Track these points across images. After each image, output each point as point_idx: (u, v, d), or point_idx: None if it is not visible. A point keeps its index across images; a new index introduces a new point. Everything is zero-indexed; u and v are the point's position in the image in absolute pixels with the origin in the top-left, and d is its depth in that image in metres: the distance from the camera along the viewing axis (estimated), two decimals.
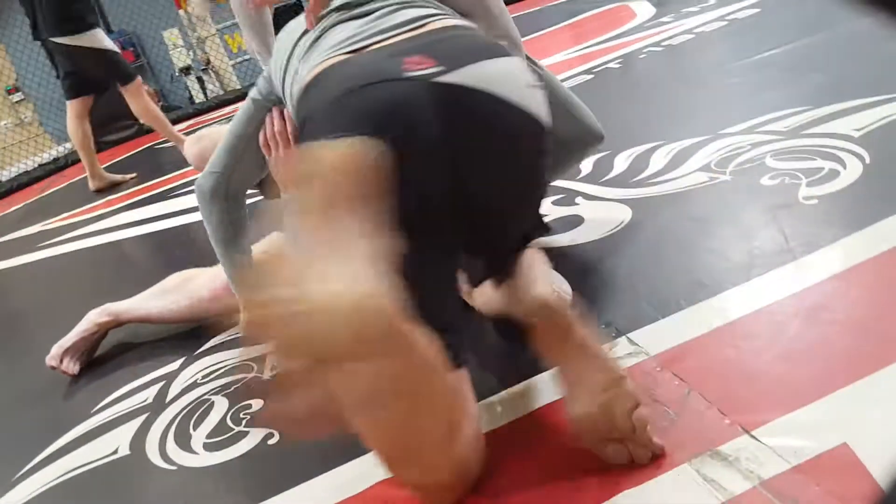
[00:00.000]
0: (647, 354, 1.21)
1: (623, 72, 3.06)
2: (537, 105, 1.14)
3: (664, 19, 3.68)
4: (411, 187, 1.01)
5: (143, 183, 4.10)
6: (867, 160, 1.61)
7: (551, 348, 1.12)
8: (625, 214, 1.74)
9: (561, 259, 1.54)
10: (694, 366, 1.16)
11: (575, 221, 1.77)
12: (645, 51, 3.22)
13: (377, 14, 1.28)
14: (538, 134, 1.15)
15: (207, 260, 2.17)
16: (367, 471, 1.15)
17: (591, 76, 3.10)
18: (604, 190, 1.91)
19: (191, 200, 3.26)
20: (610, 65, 3.19)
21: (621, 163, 2.04)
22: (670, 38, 3.26)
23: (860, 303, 1.20)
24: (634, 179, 1.92)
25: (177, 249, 2.72)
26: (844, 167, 1.61)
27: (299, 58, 1.30)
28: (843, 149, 1.69)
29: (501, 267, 1.24)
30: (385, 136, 0.97)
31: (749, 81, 2.27)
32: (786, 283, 1.28)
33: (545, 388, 1.21)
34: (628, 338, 1.27)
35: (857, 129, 1.75)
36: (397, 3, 1.30)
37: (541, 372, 1.24)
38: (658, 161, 1.97)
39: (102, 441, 1.52)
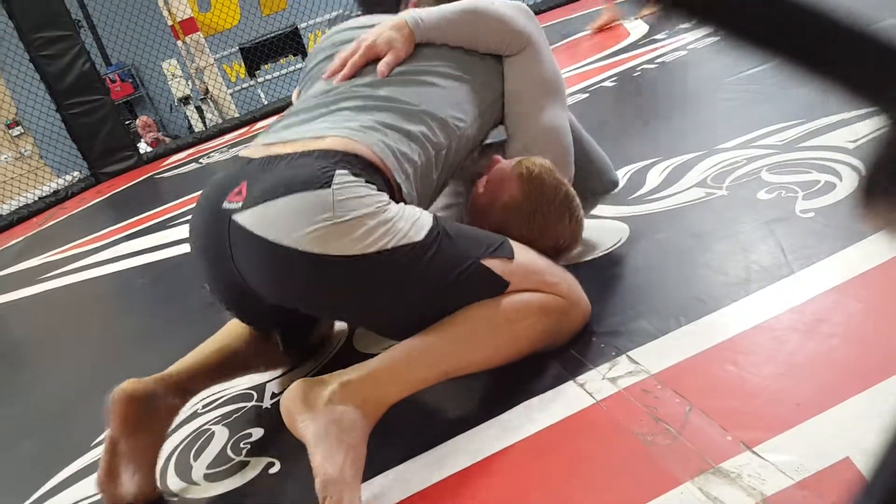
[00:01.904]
0: (647, 373, 1.20)
1: (618, 90, 3.07)
2: (322, 244, 1.21)
3: (657, 37, 3.70)
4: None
5: (144, 212, 4.11)
6: (863, 172, 1.61)
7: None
8: (622, 232, 1.74)
9: None
10: (695, 383, 1.15)
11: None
12: (639, 69, 3.23)
13: (307, 115, 1.45)
14: (329, 270, 1.23)
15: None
16: (370, 499, 1.15)
17: (586, 95, 3.11)
18: (601, 208, 1.91)
19: None
20: (605, 83, 3.20)
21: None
22: (664, 55, 3.28)
23: (859, 315, 1.19)
24: (631, 197, 1.92)
25: (176, 280, 2.73)
26: (840, 179, 1.61)
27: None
28: (838, 161, 1.69)
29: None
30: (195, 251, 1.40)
31: (742, 96, 2.28)
32: (784, 297, 1.28)
33: (547, 408, 1.21)
34: (628, 356, 1.26)
35: (852, 141, 1.75)
36: (337, 103, 1.46)
37: (543, 392, 1.24)
38: (654, 178, 1.98)
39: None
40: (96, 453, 1.58)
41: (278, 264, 1.24)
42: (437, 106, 1.47)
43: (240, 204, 1.27)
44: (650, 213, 1.79)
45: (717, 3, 0.26)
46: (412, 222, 1.26)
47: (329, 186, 1.22)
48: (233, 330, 1.53)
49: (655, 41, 3.59)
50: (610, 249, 1.68)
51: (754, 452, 0.98)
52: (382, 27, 1.58)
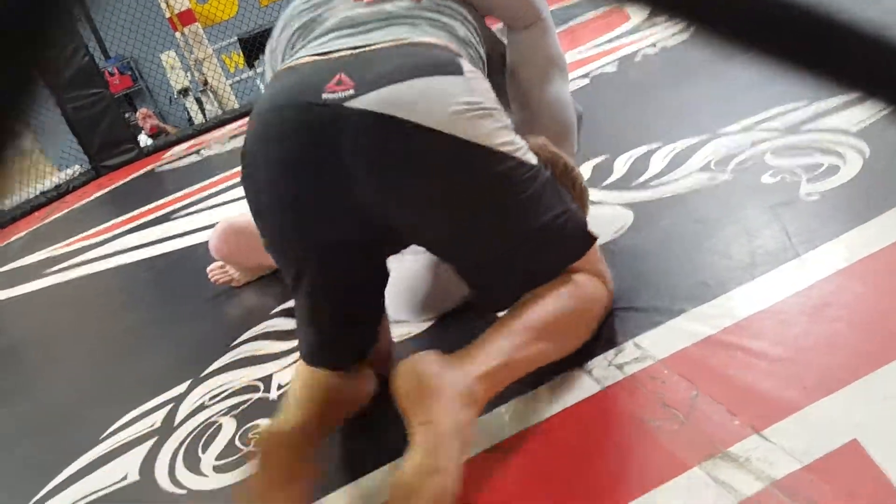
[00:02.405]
0: (653, 359, 1.20)
1: (619, 75, 3.06)
2: (466, 128, 1.12)
3: (658, 21, 3.68)
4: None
5: (146, 206, 4.10)
6: (867, 154, 1.60)
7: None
8: (626, 218, 1.74)
9: None
10: (701, 368, 1.15)
11: None
12: (640, 53, 3.22)
13: (361, 28, 1.32)
14: (467, 158, 1.14)
15: (212, 284, 2.17)
16: (380, 488, 1.15)
17: (587, 80, 3.10)
18: (604, 194, 1.90)
19: (193, 222, 3.27)
20: (606, 68, 3.19)
21: (620, 166, 2.04)
22: (664, 39, 3.26)
23: (865, 298, 1.19)
24: (635, 183, 1.91)
25: (180, 273, 2.73)
26: (844, 162, 1.60)
27: (297, 35, 1.45)
28: (842, 143, 1.68)
29: (486, 299, 1.30)
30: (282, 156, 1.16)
31: (745, 79, 2.27)
32: (790, 280, 1.28)
33: (554, 396, 1.21)
34: (634, 342, 1.26)
35: (856, 124, 1.74)
36: (389, 20, 1.33)
37: (550, 379, 1.24)
38: (657, 163, 1.97)
39: (111, 468, 1.51)
40: (101, 449, 1.59)
41: (418, 150, 1.12)
42: (473, 40, 1.42)
43: (350, 91, 1.12)
44: (654, 198, 1.79)
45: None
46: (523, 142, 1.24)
47: (462, 74, 1.17)
48: (308, 379, 1.29)
49: (656, 25, 3.57)
50: (614, 236, 1.68)
51: (762, 436, 0.98)
52: None
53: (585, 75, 3.17)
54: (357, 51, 1.21)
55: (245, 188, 1.23)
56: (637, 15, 3.94)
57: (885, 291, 1.19)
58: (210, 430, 1.50)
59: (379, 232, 1.22)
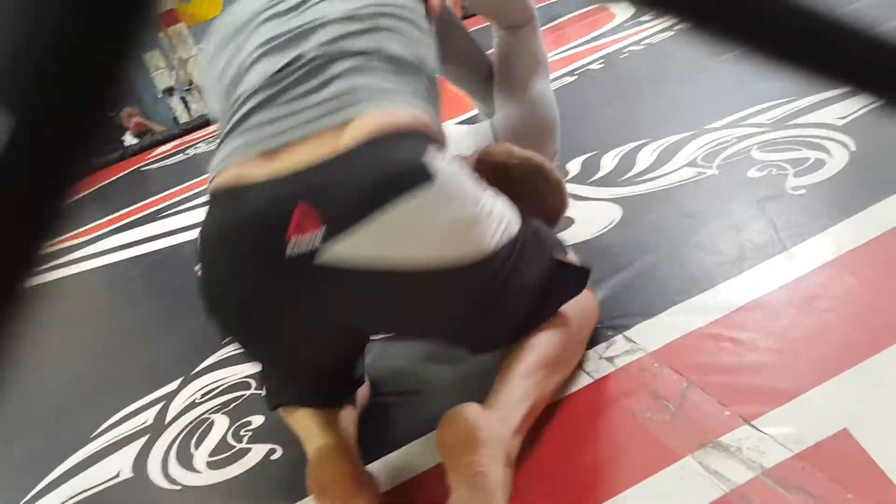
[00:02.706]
0: (644, 351, 1.22)
1: (605, 72, 3.07)
2: (454, 254, 1.03)
3: (643, 18, 3.70)
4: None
5: (132, 205, 4.09)
6: (852, 148, 1.62)
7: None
8: (615, 214, 1.75)
9: None
10: (691, 360, 1.16)
11: (565, 223, 1.78)
12: (626, 50, 3.23)
13: (300, 87, 1.12)
14: (458, 280, 1.06)
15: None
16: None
17: (574, 78, 3.11)
18: (593, 190, 1.92)
19: (179, 221, 3.26)
20: (592, 66, 3.20)
21: (608, 162, 2.05)
22: (650, 36, 3.28)
23: (853, 290, 1.21)
24: (623, 178, 1.93)
25: (168, 271, 2.72)
26: (830, 156, 1.62)
27: (224, 98, 1.24)
28: (827, 138, 1.70)
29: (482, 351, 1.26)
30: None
31: (731, 75, 2.29)
32: (778, 273, 1.29)
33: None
34: (625, 336, 1.27)
35: (841, 118, 1.76)
36: (330, 75, 1.13)
37: None
38: (645, 159, 1.98)
39: (104, 465, 1.51)
40: (95, 446, 1.59)
41: (405, 290, 1.05)
42: (421, 55, 1.23)
43: (319, 236, 0.98)
44: (642, 193, 1.80)
45: None
46: (499, 207, 1.13)
47: (432, 179, 1.01)
48: (307, 412, 1.22)
49: (641, 23, 3.59)
50: (602, 231, 1.69)
51: (753, 426, 1.00)
52: None
53: (572, 72, 3.18)
54: (314, 164, 1.02)
55: (202, 270, 1.11)
56: (622, 13, 3.96)
57: (873, 283, 1.20)
58: (202, 427, 1.50)
59: (363, 335, 1.27)
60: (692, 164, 1.85)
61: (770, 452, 0.95)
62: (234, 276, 1.06)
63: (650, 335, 1.25)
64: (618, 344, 1.26)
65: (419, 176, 1.01)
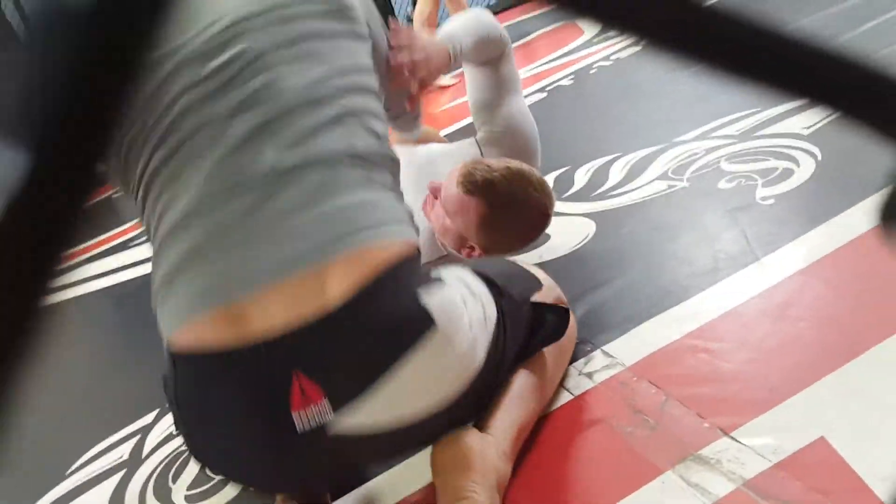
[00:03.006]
0: (622, 365, 1.22)
1: (575, 88, 3.09)
2: (459, 389, 1.01)
3: (611, 34, 3.72)
4: None
5: (103, 234, 4.04)
6: (819, 157, 1.64)
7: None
8: (589, 228, 1.76)
9: None
10: (669, 372, 1.17)
11: (541, 239, 1.78)
12: (595, 66, 3.26)
13: (265, 212, 0.94)
14: (464, 403, 1.03)
15: None
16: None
17: (544, 94, 3.13)
18: (566, 205, 1.92)
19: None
20: (562, 82, 3.22)
21: (581, 177, 2.06)
22: (618, 52, 3.31)
23: (825, 297, 1.22)
24: (595, 193, 1.93)
25: (141, 300, 2.69)
26: (798, 165, 1.64)
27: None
28: (794, 147, 1.72)
29: None
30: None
31: (698, 89, 2.31)
32: (751, 283, 1.30)
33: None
34: (602, 350, 1.27)
35: (806, 128, 1.79)
36: (301, 185, 0.96)
37: None
38: (617, 173, 2.00)
39: (80, 502, 1.48)
40: (70, 483, 1.56)
41: (414, 433, 1.00)
42: (383, 133, 1.10)
43: (326, 409, 0.91)
44: (614, 207, 1.81)
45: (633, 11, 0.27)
46: (478, 301, 1.06)
47: (434, 323, 0.95)
48: None
49: (609, 38, 3.63)
50: (577, 246, 1.69)
51: (732, 438, 1.00)
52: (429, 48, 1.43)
53: (542, 89, 3.20)
54: (301, 326, 0.90)
55: (183, 433, 1.03)
56: (590, 29, 4.00)
57: (844, 290, 1.22)
58: (180, 460, 1.47)
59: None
60: (663, 177, 1.87)
61: (749, 463, 0.95)
62: (230, 447, 0.97)
63: (628, 349, 1.25)
64: (596, 359, 1.26)
65: (421, 324, 0.94)
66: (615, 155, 2.11)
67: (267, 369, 0.90)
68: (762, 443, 0.97)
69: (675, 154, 1.96)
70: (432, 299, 0.96)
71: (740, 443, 0.99)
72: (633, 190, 1.87)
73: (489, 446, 1.04)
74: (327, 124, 0.99)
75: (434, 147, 1.82)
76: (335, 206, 0.95)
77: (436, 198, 1.56)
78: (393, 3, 5.19)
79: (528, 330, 1.18)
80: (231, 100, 0.98)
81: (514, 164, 1.52)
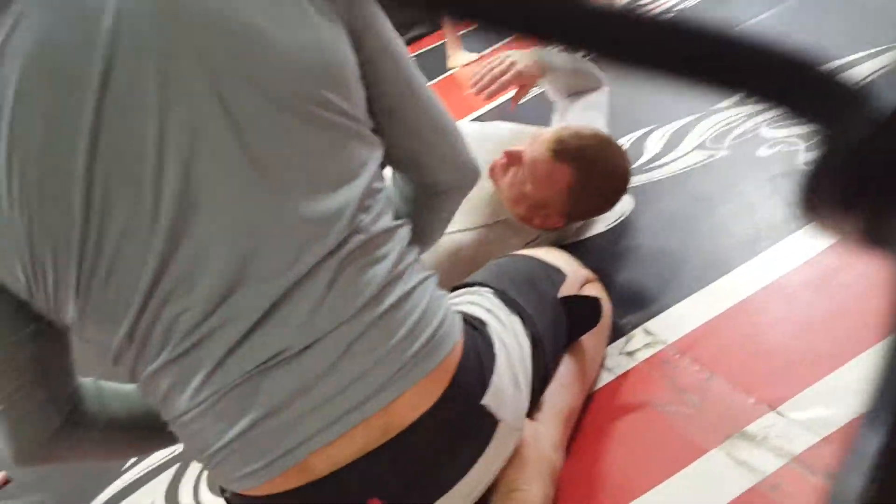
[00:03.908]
0: (663, 343, 1.20)
1: None
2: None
3: (642, 0, 3.65)
4: None
5: None
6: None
7: None
8: (626, 204, 1.73)
9: None
10: (712, 349, 1.15)
11: None
12: None
13: (303, 379, 0.83)
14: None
15: None
16: None
17: None
18: None
19: None
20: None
21: None
22: None
23: (870, 263, 1.18)
24: (633, 167, 1.90)
25: None
26: None
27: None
28: None
29: None
30: None
31: None
32: (794, 252, 1.27)
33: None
34: (644, 329, 1.26)
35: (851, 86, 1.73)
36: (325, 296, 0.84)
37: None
38: (653, 145, 1.96)
39: (137, 497, 1.52)
40: (127, 479, 1.60)
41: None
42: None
43: None
44: (652, 181, 1.78)
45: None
46: (510, 333, 1.03)
47: (497, 420, 0.92)
48: None
49: (641, 4, 3.55)
50: (615, 222, 1.67)
51: (779, 413, 0.98)
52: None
53: None
54: (363, 456, 0.85)
55: None
56: None
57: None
58: None
59: None
60: (701, 146, 1.83)
61: (798, 438, 0.93)
62: None
63: (669, 326, 1.24)
64: (637, 338, 1.24)
65: (488, 427, 0.92)
66: (651, 126, 2.07)
67: (341, 501, 0.87)
68: (810, 416, 0.95)
69: (713, 122, 1.92)
70: (489, 393, 0.91)
71: (788, 417, 0.97)
72: (671, 162, 1.83)
73: (541, 437, 1.03)
74: (333, 282, 0.84)
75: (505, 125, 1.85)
76: (388, 347, 0.84)
77: (511, 164, 1.55)
78: None
79: (561, 326, 1.16)
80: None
81: (598, 130, 1.54)
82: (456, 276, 1.38)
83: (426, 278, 0.91)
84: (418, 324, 0.86)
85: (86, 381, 0.96)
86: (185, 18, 0.77)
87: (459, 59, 3.97)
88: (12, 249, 0.78)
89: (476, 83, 1.66)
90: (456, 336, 0.90)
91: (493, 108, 2.36)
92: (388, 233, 0.89)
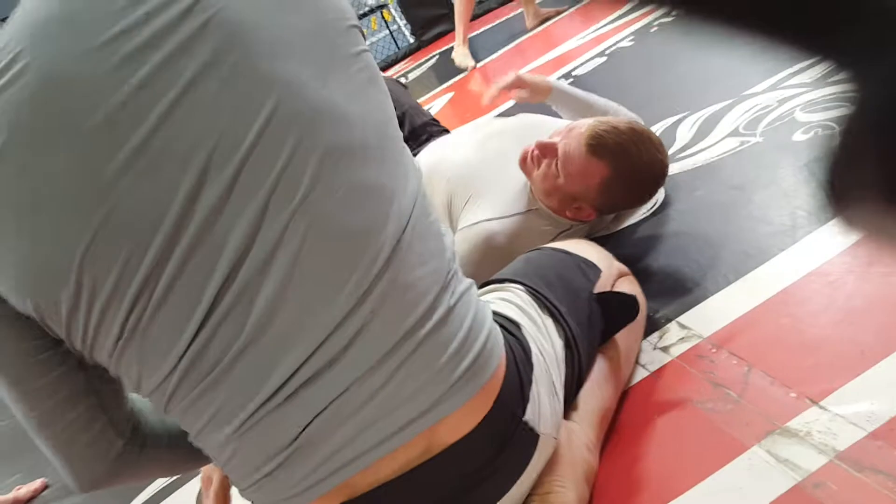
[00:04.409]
0: (699, 336, 1.17)
1: (636, 48, 2.99)
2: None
3: None
4: None
5: None
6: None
7: None
8: (658, 194, 1.69)
9: None
10: (750, 341, 1.11)
11: None
12: (656, 24, 3.15)
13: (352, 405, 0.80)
14: None
15: None
16: None
17: (604, 59, 3.04)
18: None
19: None
20: (622, 43, 3.13)
21: None
22: None
23: None
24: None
25: None
26: None
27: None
28: None
29: None
30: None
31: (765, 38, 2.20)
32: (833, 240, 1.23)
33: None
34: (678, 322, 1.22)
35: None
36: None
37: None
38: (685, 133, 1.92)
39: (181, 494, 1.52)
40: (159, 484, 1.60)
41: None
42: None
43: None
44: (685, 170, 1.74)
45: None
46: (544, 333, 1.01)
47: (538, 435, 0.91)
48: None
49: None
50: (648, 213, 1.64)
51: (821, 407, 0.94)
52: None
53: (602, 53, 3.11)
54: (410, 470, 0.83)
55: None
56: None
57: None
58: None
59: None
60: (735, 133, 1.78)
61: (842, 434, 0.89)
62: None
63: (705, 319, 1.20)
64: (671, 332, 1.21)
65: (530, 443, 0.90)
66: (682, 114, 2.03)
67: None
68: (855, 410, 0.91)
69: (746, 108, 1.87)
70: (530, 407, 0.89)
71: (831, 412, 0.93)
72: (703, 150, 1.79)
73: (576, 438, 1.00)
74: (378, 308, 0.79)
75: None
76: (436, 368, 0.81)
77: (544, 156, 1.52)
78: None
79: (596, 323, 1.12)
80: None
81: (636, 124, 1.50)
82: (488, 265, 1.36)
83: (468, 288, 0.88)
84: (465, 341, 0.83)
85: (138, 399, 0.94)
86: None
87: (465, 60, 3.98)
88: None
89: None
90: (500, 351, 0.87)
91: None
92: (436, 240, 0.86)
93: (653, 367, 1.16)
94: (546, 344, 0.99)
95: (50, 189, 0.72)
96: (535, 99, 1.82)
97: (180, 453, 0.96)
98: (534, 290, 1.07)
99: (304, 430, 0.79)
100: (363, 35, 0.85)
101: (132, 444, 0.90)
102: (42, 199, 0.72)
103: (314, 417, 0.79)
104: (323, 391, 0.78)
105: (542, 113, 1.89)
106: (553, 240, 1.50)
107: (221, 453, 0.84)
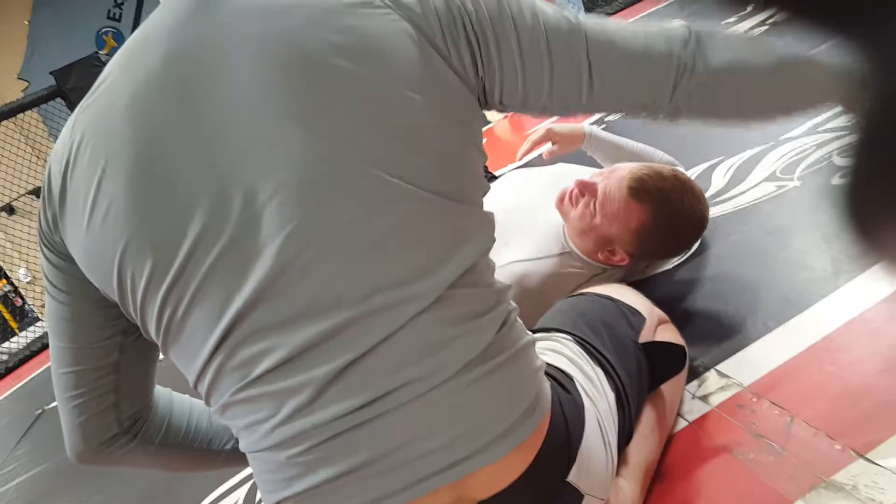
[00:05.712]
0: (740, 385, 1.14)
1: None
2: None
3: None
4: None
5: None
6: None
7: None
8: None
9: None
10: (793, 391, 1.08)
11: None
12: None
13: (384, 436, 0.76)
14: None
15: None
16: None
17: None
18: None
19: None
20: None
21: None
22: None
23: None
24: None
25: None
26: None
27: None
28: None
29: None
30: None
31: None
32: (876, 286, 1.20)
33: None
34: (717, 370, 1.19)
35: None
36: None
37: None
38: (720, 178, 1.90)
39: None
40: None
41: None
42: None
43: None
44: (720, 214, 1.72)
45: None
46: (597, 386, 0.96)
47: (581, 496, 0.86)
48: None
49: None
50: (683, 257, 1.61)
51: (868, 459, 0.91)
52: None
53: None
54: None
55: None
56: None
57: None
58: None
59: None
60: (771, 177, 1.76)
61: (890, 488, 0.86)
62: None
63: (745, 367, 1.17)
64: (710, 380, 1.18)
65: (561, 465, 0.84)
66: (717, 159, 2.01)
67: None
68: None
69: (783, 152, 1.85)
70: (575, 467, 0.85)
71: (878, 465, 0.89)
72: (739, 194, 1.77)
73: (622, 495, 0.97)
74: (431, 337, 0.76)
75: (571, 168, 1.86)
76: (482, 417, 0.77)
77: (582, 195, 1.51)
78: None
79: (643, 372, 1.08)
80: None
81: (679, 172, 1.49)
82: (520, 307, 1.34)
83: (529, 342, 0.84)
84: (518, 392, 0.78)
85: (162, 395, 1.03)
86: None
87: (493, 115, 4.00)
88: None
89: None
90: (546, 406, 0.81)
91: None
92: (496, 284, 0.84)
93: (692, 417, 1.13)
94: (599, 398, 0.94)
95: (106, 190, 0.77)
96: (569, 149, 1.82)
97: (178, 458, 1.04)
98: (582, 339, 1.03)
99: (337, 459, 0.76)
100: None
101: (127, 434, 0.97)
102: (100, 196, 0.77)
103: (351, 449, 0.75)
104: (367, 432, 0.75)
105: (579, 162, 1.88)
106: (586, 283, 1.48)
107: (257, 464, 0.83)
